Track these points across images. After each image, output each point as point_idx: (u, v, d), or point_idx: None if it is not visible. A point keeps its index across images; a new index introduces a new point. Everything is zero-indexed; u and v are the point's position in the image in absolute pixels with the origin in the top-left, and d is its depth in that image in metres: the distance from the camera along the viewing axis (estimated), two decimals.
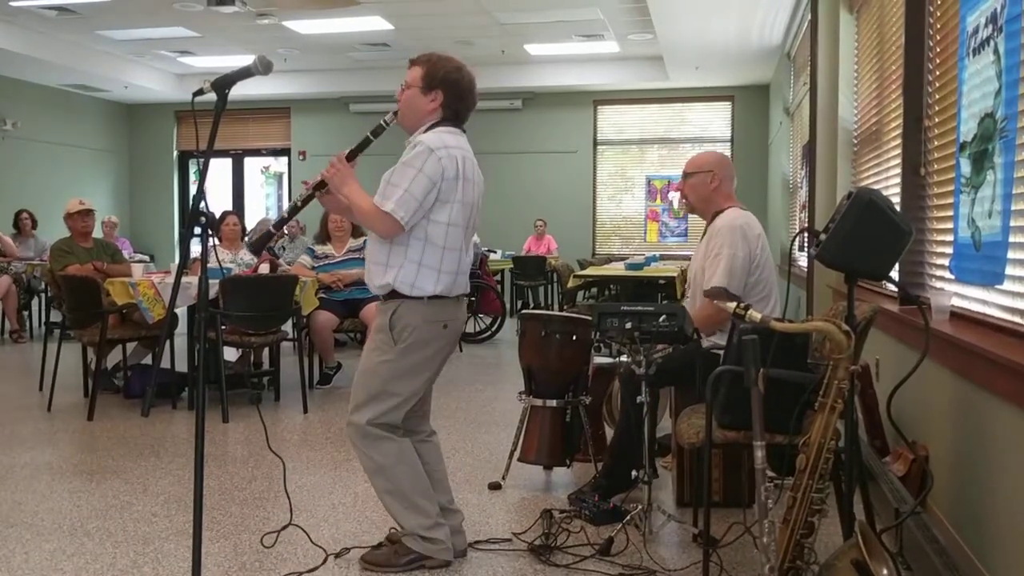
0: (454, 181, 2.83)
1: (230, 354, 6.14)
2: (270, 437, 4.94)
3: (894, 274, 2.64)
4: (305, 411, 5.58)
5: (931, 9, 3.45)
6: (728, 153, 12.78)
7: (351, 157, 2.91)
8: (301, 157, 13.99)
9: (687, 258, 3.78)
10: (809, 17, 6.25)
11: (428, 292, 2.87)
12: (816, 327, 2.34)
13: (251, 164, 14.78)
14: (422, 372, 2.94)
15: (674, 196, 12.88)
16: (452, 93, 2.93)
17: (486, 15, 9.54)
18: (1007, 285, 2.44)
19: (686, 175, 3.68)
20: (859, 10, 5.20)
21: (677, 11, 8.34)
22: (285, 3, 8.80)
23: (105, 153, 13.96)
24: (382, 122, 2.91)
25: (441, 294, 2.89)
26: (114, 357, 6.24)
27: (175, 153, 14.55)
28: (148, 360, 6.22)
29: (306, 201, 2.94)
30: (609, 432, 4.14)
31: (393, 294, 2.89)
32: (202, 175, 2.36)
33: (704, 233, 3.70)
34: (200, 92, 2.32)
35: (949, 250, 2.98)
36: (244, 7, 8.61)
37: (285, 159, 14.45)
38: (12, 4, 8.92)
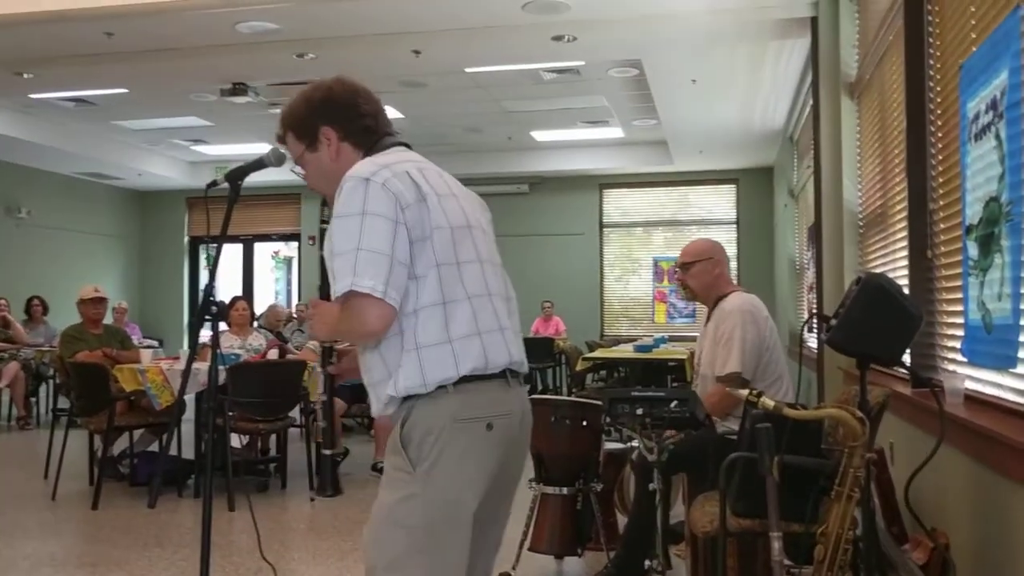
0: (420, 204, 1.91)
1: (236, 440, 6.09)
2: (275, 526, 4.87)
3: (905, 357, 2.63)
4: (312, 498, 5.50)
5: (931, 96, 3.52)
6: (734, 235, 12.90)
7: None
8: (311, 242, 14.13)
9: (696, 339, 3.80)
10: (811, 102, 6.36)
11: (449, 376, 1.87)
12: (829, 414, 2.32)
13: (261, 249, 14.93)
14: (463, 512, 1.84)
15: (672, 286, 12.90)
16: (337, 114, 2.07)
17: (494, 103, 9.74)
18: (1020, 369, 2.42)
19: (685, 265, 3.68)
20: (860, 96, 5.30)
21: (680, 98, 8.52)
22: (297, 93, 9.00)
23: (116, 239, 14.12)
24: (323, 227, 2.07)
25: (473, 373, 1.89)
26: (119, 444, 6.20)
27: (186, 239, 14.72)
28: (154, 447, 6.17)
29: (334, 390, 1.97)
30: (621, 520, 4.07)
31: (406, 399, 1.91)
32: (213, 266, 2.38)
33: (708, 319, 3.70)
34: (214, 184, 2.36)
35: (960, 332, 2.96)
36: (257, 97, 8.82)
37: (295, 244, 14.60)
38: (32, 96, 9.15)
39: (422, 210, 1.90)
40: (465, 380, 1.87)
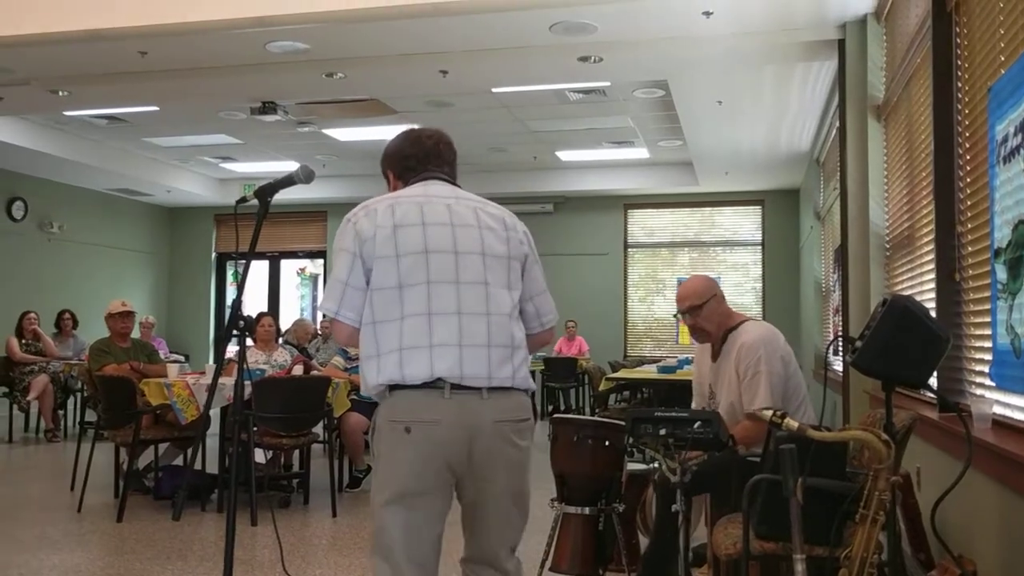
0: (372, 241, 2.22)
1: (260, 455, 6.12)
2: (297, 541, 4.89)
3: (932, 381, 2.60)
4: (334, 515, 5.51)
5: (959, 118, 3.50)
6: (759, 257, 12.86)
7: None
8: None
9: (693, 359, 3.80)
10: (837, 124, 6.35)
11: (375, 384, 2.23)
12: (854, 436, 2.30)
13: (287, 266, 15.05)
14: (391, 501, 2.20)
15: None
16: (391, 159, 2.48)
17: (519, 123, 9.80)
18: None
19: (695, 308, 3.59)
20: (887, 118, 5.28)
21: (705, 119, 8.52)
22: (325, 112, 9.11)
23: (145, 255, 14.30)
24: None
25: (392, 383, 2.20)
26: (145, 457, 6.25)
27: (213, 255, 14.88)
28: (179, 461, 6.21)
29: None
30: (643, 541, 4.05)
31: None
32: (241, 281, 2.41)
33: (719, 350, 3.65)
34: (244, 200, 2.39)
35: (988, 356, 2.94)
36: (286, 116, 8.92)
37: (320, 261, 14.71)
38: (66, 114, 9.32)
39: (373, 244, 2.22)
40: (394, 388, 2.20)
